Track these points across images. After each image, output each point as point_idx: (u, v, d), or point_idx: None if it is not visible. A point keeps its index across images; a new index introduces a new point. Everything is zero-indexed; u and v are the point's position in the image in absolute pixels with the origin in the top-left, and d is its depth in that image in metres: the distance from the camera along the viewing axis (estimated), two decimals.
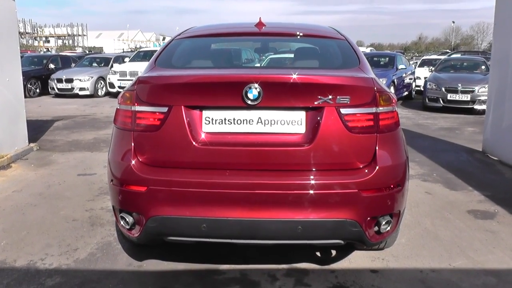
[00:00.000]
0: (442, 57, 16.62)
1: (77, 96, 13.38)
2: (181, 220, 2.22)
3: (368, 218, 2.23)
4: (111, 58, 15.31)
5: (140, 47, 56.21)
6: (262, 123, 2.21)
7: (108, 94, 13.96)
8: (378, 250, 3.00)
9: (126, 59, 15.20)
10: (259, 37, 3.11)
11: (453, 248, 3.16)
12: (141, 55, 15.00)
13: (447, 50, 45.70)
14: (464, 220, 3.70)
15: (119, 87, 13.02)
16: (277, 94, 2.14)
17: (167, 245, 2.87)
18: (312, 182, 2.15)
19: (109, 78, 13.42)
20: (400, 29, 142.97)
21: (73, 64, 15.63)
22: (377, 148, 2.24)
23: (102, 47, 53.99)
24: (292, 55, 2.92)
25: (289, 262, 2.89)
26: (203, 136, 2.23)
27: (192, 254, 2.99)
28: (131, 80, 12.64)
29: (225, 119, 2.22)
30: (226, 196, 2.16)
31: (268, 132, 2.21)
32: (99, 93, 13.77)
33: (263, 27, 3.01)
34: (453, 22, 73.55)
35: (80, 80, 13.22)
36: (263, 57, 2.95)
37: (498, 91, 5.77)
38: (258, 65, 2.78)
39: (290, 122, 2.20)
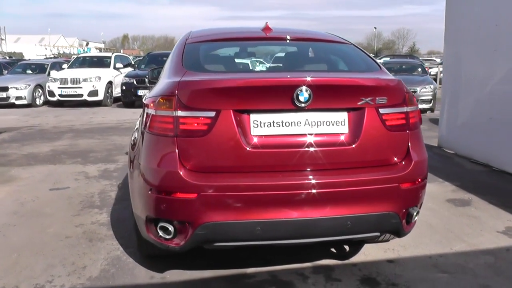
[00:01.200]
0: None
1: (13, 106, 12.43)
2: (235, 224, 2.21)
3: (404, 210, 2.39)
4: (47, 65, 14.40)
5: (64, 53, 53.17)
6: (309, 125, 2.27)
7: (47, 103, 13.13)
8: (386, 242, 3.18)
9: (64, 65, 14.39)
10: (275, 41, 3.16)
11: (448, 234, 3.43)
12: (80, 61, 14.30)
13: (371, 55, 48.47)
14: (446, 209, 4.02)
15: (60, 95, 12.31)
16: (324, 96, 2.22)
17: (182, 254, 2.83)
18: (359, 178, 2.27)
19: (48, 86, 12.59)
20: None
21: (5, 71, 14.49)
22: (409, 144, 2.41)
23: (22, 53, 50.28)
24: (313, 59, 2.99)
25: (310, 260, 2.96)
26: (252, 139, 2.24)
27: (211, 261, 2.96)
28: (75, 87, 12.36)
29: (273, 122, 2.24)
30: (279, 198, 2.19)
31: (315, 133, 2.28)
32: (37, 102, 12.90)
33: (270, 32, 3.09)
34: (375, 28, 78.01)
35: (16, 88, 12.29)
36: (286, 61, 2.98)
37: (452, 93, 6.32)
38: (285, 68, 2.82)
39: (334, 123, 2.29)
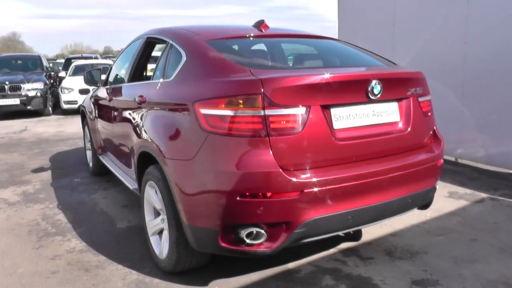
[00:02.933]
0: None
1: None
2: (332, 217, 2.25)
3: (436, 184, 2.81)
4: None
5: None
6: (376, 115, 2.46)
7: None
8: None
9: None
10: (294, 38, 3.26)
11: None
12: None
13: None
14: None
15: None
16: (387, 89, 2.43)
17: (209, 263, 2.78)
18: (415, 160, 2.56)
19: None
20: None
21: None
22: (435, 127, 2.83)
23: None
24: (342, 55, 3.11)
25: (331, 247, 3.16)
26: (336, 133, 2.31)
27: (242, 263, 2.91)
28: None
29: (349, 115, 2.36)
30: (365, 185, 2.32)
31: (379, 123, 2.48)
32: None
33: (267, 30, 3.19)
34: None
35: None
36: (322, 58, 3.04)
37: None
38: (321, 64, 2.89)
39: (391, 112, 2.53)
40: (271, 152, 2.16)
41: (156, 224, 2.97)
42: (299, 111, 2.21)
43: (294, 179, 2.16)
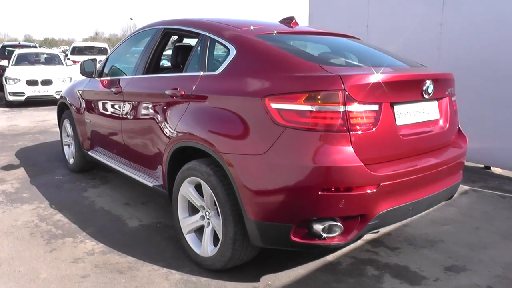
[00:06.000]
0: None
1: None
2: (399, 209, 2.37)
3: None
4: None
5: None
6: (424, 113, 2.63)
7: None
8: None
9: None
10: (327, 36, 3.33)
11: None
12: None
13: None
14: None
15: None
16: (435, 88, 2.60)
17: (253, 259, 2.78)
18: (454, 154, 2.78)
19: None
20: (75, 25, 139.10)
21: None
22: (460, 125, 3.08)
23: None
24: (377, 54, 3.20)
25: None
26: (400, 129, 2.44)
27: (286, 258, 2.96)
28: None
29: (407, 112, 2.50)
30: (425, 178, 2.49)
31: (426, 120, 2.66)
32: None
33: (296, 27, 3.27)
34: (131, 19, 77.46)
35: None
36: (360, 56, 3.09)
37: None
38: (357, 62, 2.96)
39: (433, 110, 2.72)
40: (352, 147, 2.24)
41: (193, 222, 2.90)
42: (374, 107, 2.32)
43: (373, 173, 2.26)
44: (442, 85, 2.79)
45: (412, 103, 2.57)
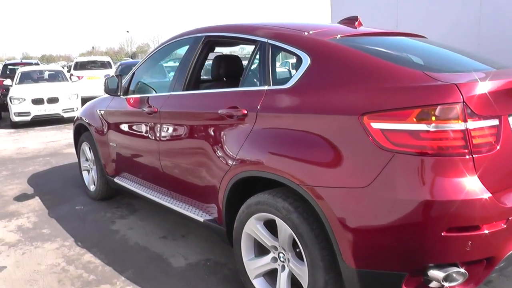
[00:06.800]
0: None
1: None
2: None
3: None
4: None
5: None
6: None
7: None
8: None
9: None
10: (398, 36, 2.80)
11: None
12: None
13: (127, 58, 48.58)
14: None
15: None
16: None
17: None
18: None
19: None
20: (71, 40, 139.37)
21: None
22: None
23: None
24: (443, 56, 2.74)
25: None
26: None
27: None
28: None
29: None
30: None
31: None
32: None
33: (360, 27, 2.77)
34: (128, 31, 77.35)
35: None
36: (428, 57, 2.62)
37: None
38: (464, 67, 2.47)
39: None
40: (477, 174, 1.76)
41: (263, 265, 2.40)
42: (495, 122, 1.83)
43: (502, 205, 1.78)
44: None
45: None
